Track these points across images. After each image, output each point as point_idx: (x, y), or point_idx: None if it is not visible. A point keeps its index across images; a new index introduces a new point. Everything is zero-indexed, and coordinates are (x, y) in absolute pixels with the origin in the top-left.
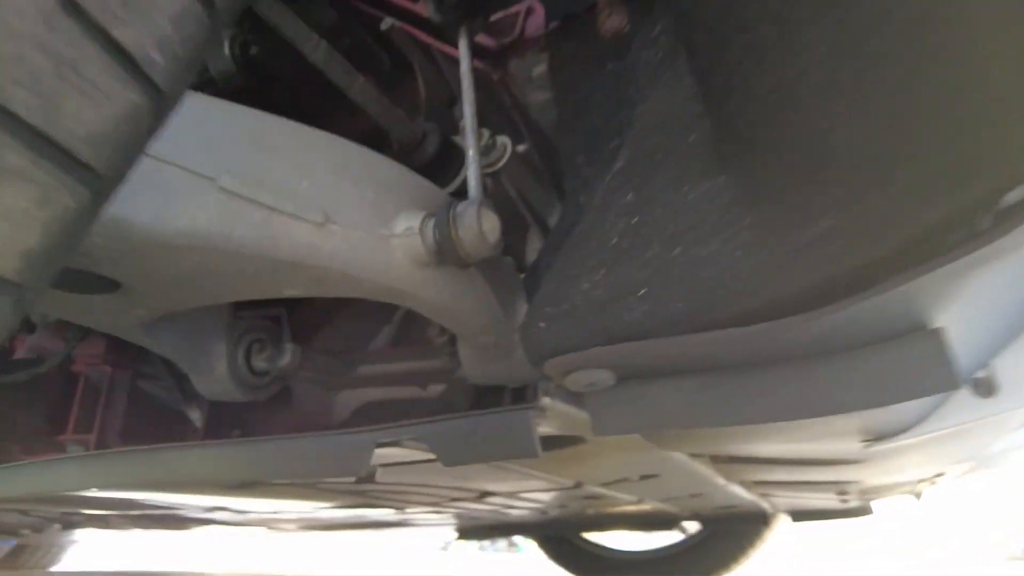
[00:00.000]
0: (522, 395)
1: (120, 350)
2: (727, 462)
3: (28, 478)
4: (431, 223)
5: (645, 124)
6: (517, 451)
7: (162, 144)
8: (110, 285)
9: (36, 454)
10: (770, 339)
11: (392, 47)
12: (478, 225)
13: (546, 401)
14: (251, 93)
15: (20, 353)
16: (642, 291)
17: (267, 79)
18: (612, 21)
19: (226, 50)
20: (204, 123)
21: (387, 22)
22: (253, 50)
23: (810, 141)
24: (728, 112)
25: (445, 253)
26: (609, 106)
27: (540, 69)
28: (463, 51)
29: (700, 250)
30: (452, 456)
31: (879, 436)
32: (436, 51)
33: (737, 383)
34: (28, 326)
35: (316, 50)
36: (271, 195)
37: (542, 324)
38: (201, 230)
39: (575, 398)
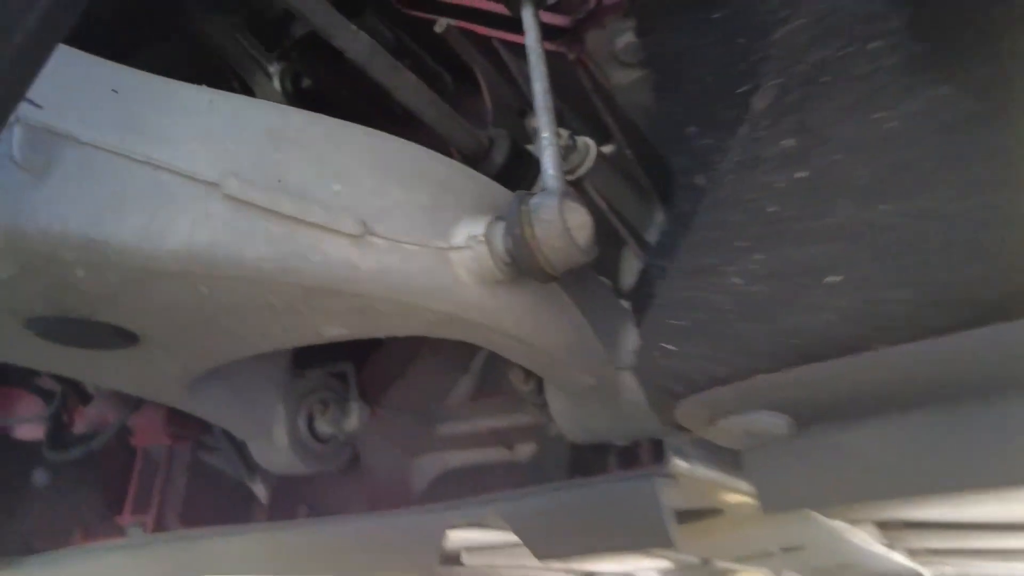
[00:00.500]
0: (633, 456)
1: (180, 419)
2: (899, 528)
3: (83, 566)
4: (499, 227)
5: (792, 47)
6: (639, 538)
7: (151, 144)
8: (126, 337)
9: (96, 537)
10: None
11: (453, 62)
12: (561, 221)
13: (679, 465)
14: None
15: (79, 427)
16: (832, 277)
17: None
18: None
19: (276, 85)
20: (205, 118)
21: (441, 23)
22: (305, 82)
23: None
24: None
25: (520, 264)
26: (724, 55)
27: (626, 39)
28: (528, 25)
29: (921, 202)
30: (547, 546)
31: None
32: (500, 47)
33: (1010, 416)
34: (84, 397)
35: (355, 42)
36: (293, 202)
37: (669, 346)
38: (202, 250)
39: (722, 456)
